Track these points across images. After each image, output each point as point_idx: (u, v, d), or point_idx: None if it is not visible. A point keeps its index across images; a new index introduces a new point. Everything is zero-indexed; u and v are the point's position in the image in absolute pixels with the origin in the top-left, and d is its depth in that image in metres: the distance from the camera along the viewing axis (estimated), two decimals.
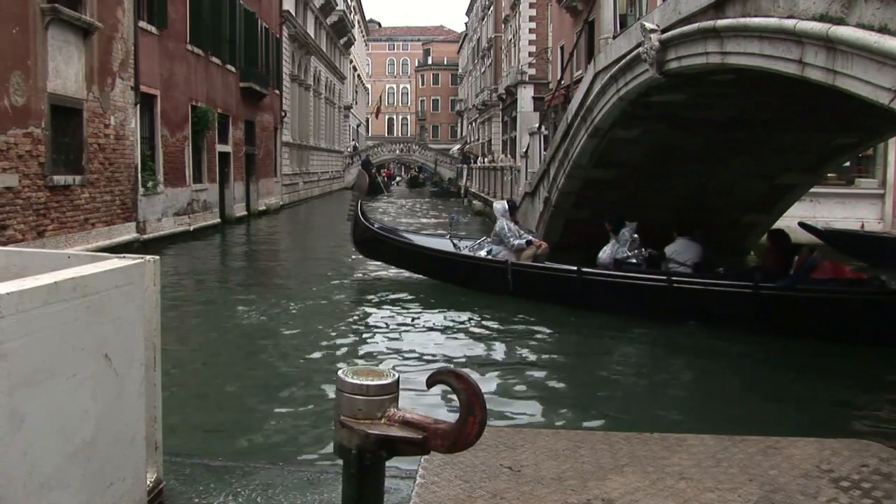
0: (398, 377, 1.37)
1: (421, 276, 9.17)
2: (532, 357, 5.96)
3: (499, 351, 6.19)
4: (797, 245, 7.25)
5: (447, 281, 8.75)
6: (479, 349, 6.20)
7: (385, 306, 8.12)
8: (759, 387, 5.25)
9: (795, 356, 5.94)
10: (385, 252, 9.33)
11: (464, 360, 5.72)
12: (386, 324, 7.26)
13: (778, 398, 4.98)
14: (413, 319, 7.39)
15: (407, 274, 9.47)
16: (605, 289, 7.15)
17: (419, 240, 9.63)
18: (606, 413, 4.62)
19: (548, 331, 6.73)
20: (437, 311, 7.65)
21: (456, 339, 6.58)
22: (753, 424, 3.95)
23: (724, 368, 5.63)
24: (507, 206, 8.68)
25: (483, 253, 8.55)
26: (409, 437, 1.27)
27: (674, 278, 6.81)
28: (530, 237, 8.62)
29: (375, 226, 9.40)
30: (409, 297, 8.40)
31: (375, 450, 1.30)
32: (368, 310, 8.02)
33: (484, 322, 7.11)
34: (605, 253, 7.94)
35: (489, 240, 8.80)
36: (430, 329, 6.97)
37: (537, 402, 4.84)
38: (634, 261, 7.57)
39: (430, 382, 1.33)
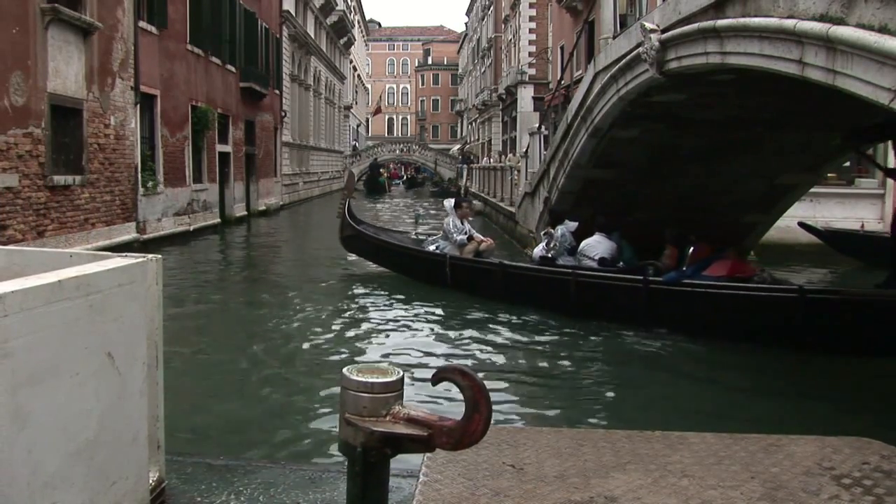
0: (403, 374, 1.38)
1: (387, 269, 9.70)
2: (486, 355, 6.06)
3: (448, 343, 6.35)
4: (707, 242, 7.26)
5: (404, 274, 9.32)
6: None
7: (385, 305, 8.14)
8: (759, 385, 5.26)
9: (784, 357, 5.95)
10: (361, 248, 9.99)
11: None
12: (388, 322, 7.29)
13: (777, 397, 4.99)
14: (411, 316, 7.41)
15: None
16: (522, 282, 7.48)
17: (385, 236, 10.17)
18: (607, 412, 4.63)
19: (486, 325, 7.00)
20: (427, 307, 7.73)
21: (453, 339, 6.59)
22: (753, 422, 3.96)
23: (714, 370, 5.63)
24: (453, 203, 9.21)
25: (432, 248, 8.94)
26: (414, 435, 1.27)
27: (577, 272, 7.08)
28: (473, 233, 8.92)
29: (356, 223, 9.90)
30: (410, 297, 8.41)
31: (380, 447, 1.30)
32: (368, 308, 8.03)
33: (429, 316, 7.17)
34: (537, 248, 8.39)
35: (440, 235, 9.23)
36: (428, 327, 6.98)
37: (533, 399, 4.85)
38: (549, 255, 7.97)
39: (436, 380, 1.33)
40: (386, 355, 6.02)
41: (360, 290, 9.07)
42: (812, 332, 5.56)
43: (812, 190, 11.73)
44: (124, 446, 1.65)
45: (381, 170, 44.37)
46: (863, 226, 13.11)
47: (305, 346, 6.55)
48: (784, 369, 5.52)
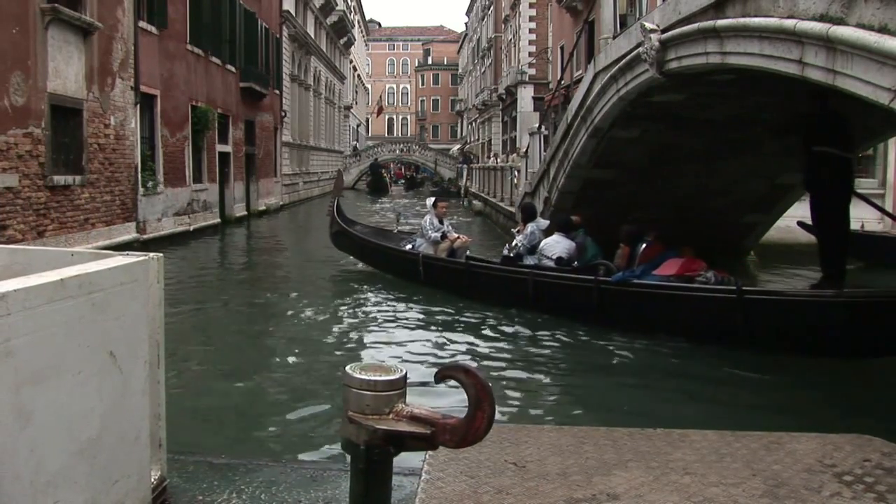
0: (405, 372, 1.38)
1: (369, 266, 9.96)
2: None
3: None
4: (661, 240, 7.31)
5: (384, 271, 9.58)
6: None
7: (385, 304, 8.15)
8: (757, 385, 5.26)
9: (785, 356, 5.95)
10: (347, 245, 10.26)
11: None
12: (387, 320, 7.29)
13: (777, 395, 4.99)
14: (411, 316, 7.41)
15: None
16: (486, 280, 7.75)
17: (367, 233, 10.45)
18: (611, 409, 4.63)
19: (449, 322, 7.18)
20: (426, 307, 7.74)
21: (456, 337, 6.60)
22: (754, 420, 3.96)
23: (711, 368, 5.64)
24: (432, 201, 9.49)
25: (410, 246, 9.17)
26: (417, 433, 1.27)
27: (534, 272, 7.27)
28: (446, 231, 9.10)
29: (343, 221, 10.25)
30: (409, 296, 8.41)
31: (383, 445, 1.30)
32: (369, 307, 8.04)
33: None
34: (506, 247, 8.57)
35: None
36: (425, 326, 6.99)
37: (528, 398, 4.85)
38: (511, 255, 8.17)
39: (439, 378, 1.33)
40: (385, 352, 6.03)
41: (360, 289, 9.07)
42: (750, 331, 5.68)
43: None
44: (126, 445, 1.65)
45: (382, 170, 44.70)
46: (863, 226, 13.10)
47: (305, 344, 6.55)
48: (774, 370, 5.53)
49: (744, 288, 5.87)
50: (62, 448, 1.43)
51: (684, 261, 6.46)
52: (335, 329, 7.13)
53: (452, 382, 1.30)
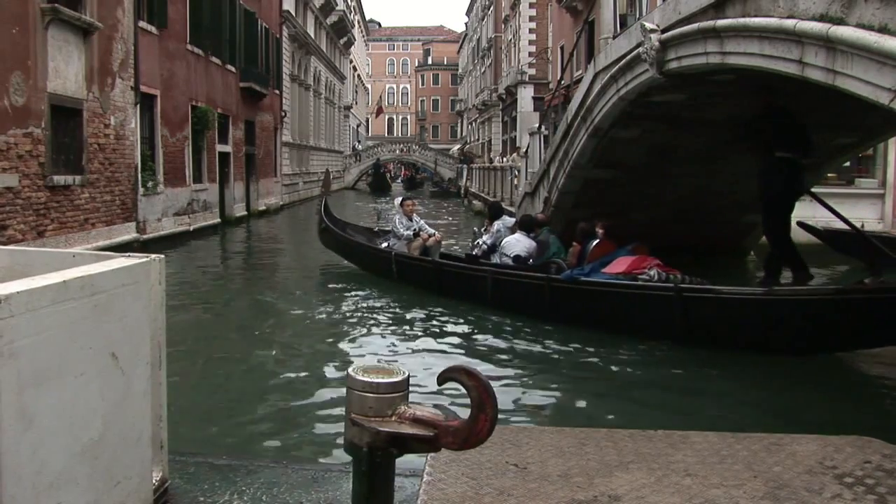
0: (408, 374, 1.38)
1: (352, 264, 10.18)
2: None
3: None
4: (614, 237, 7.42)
5: (362, 268, 9.84)
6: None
7: (385, 304, 8.14)
8: (757, 384, 5.26)
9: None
10: (332, 242, 10.47)
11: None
12: (389, 321, 7.29)
13: (777, 396, 4.99)
14: (413, 317, 7.41)
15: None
16: (451, 278, 7.99)
17: (349, 231, 10.66)
18: (610, 411, 4.63)
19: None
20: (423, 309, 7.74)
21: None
22: (755, 421, 3.96)
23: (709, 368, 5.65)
24: (399, 201, 9.77)
25: (386, 244, 9.42)
26: (420, 435, 1.28)
27: (493, 270, 7.45)
28: (422, 228, 9.30)
29: (329, 220, 10.52)
30: (408, 295, 8.41)
31: (386, 447, 1.30)
32: (368, 307, 8.04)
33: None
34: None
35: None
36: (426, 327, 6.99)
37: (526, 398, 4.85)
38: (475, 252, 8.40)
39: (441, 380, 1.33)
40: (387, 352, 6.03)
41: (360, 289, 9.07)
42: (689, 327, 5.81)
43: (812, 190, 11.71)
44: (128, 446, 1.66)
45: (383, 170, 45.02)
46: (863, 226, 13.09)
47: (306, 345, 6.55)
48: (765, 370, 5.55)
49: (681, 286, 5.99)
50: (64, 449, 1.43)
51: (634, 259, 6.57)
52: (335, 329, 7.13)
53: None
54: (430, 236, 9.14)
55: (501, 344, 6.36)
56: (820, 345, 5.57)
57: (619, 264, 6.51)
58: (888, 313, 5.14)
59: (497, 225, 8.62)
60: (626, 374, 5.59)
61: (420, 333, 6.82)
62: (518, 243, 7.94)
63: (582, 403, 4.94)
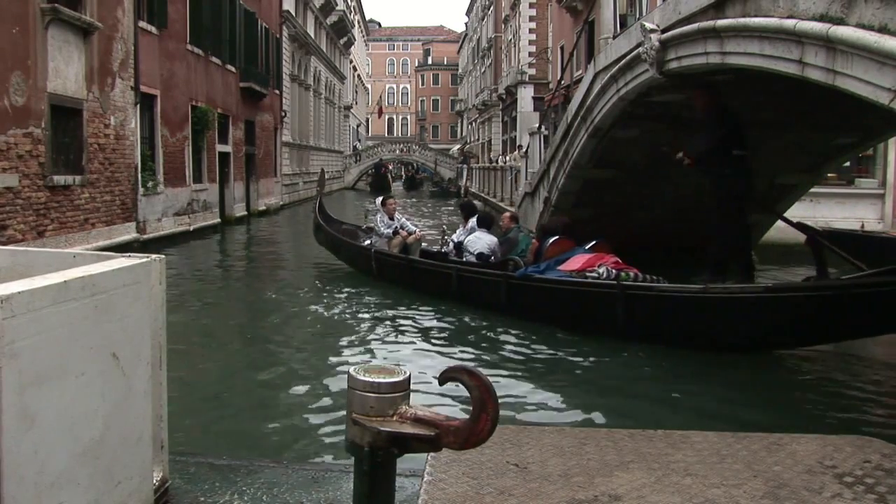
0: (409, 374, 1.38)
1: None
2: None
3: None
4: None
5: (349, 265, 10.12)
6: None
7: (382, 303, 8.14)
8: (758, 385, 5.26)
9: (786, 356, 5.95)
10: (324, 240, 10.77)
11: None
12: (389, 321, 7.29)
13: (777, 396, 4.99)
14: (413, 316, 7.41)
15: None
16: (423, 274, 8.32)
17: (340, 229, 10.85)
18: (609, 410, 4.63)
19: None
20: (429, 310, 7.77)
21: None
22: (755, 421, 3.96)
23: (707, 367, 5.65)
24: (380, 200, 10.04)
25: (369, 242, 9.73)
26: (421, 435, 1.28)
27: (458, 267, 7.74)
28: (404, 226, 9.58)
29: (324, 218, 10.82)
30: (407, 296, 8.42)
31: (387, 447, 1.30)
32: (368, 306, 8.04)
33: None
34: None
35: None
36: (429, 327, 6.99)
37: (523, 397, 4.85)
38: (442, 250, 8.72)
39: (443, 379, 1.34)
40: (388, 351, 6.04)
41: (360, 289, 9.08)
42: (632, 323, 5.96)
43: (812, 190, 11.73)
44: (129, 446, 1.66)
45: (384, 170, 45.16)
46: (863, 226, 13.11)
47: (306, 345, 6.55)
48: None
49: (624, 283, 6.12)
50: (65, 450, 1.43)
51: (590, 256, 6.67)
52: (335, 328, 7.13)
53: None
54: (409, 234, 9.43)
55: (460, 337, 6.58)
56: (753, 342, 5.69)
57: (575, 262, 6.65)
58: (815, 312, 5.30)
59: (471, 223, 8.87)
60: (595, 372, 5.58)
61: (422, 333, 6.82)
62: (479, 241, 8.21)
63: (580, 403, 4.93)
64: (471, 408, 1.29)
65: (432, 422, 1.29)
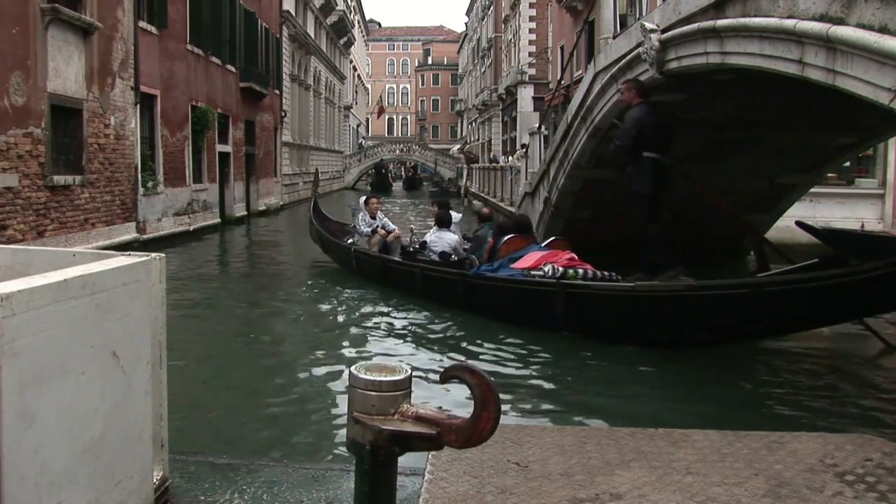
0: (410, 373, 1.38)
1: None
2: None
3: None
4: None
5: (336, 263, 10.42)
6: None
7: (385, 303, 8.14)
8: (758, 384, 5.26)
9: (787, 355, 5.95)
10: (316, 238, 11.08)
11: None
12: (390, 320, 7.29)
13: (778, 395, 4.99)
14: (413, 317, 7.40)
15: None
16: (394, 272, 8.64)
17: (326, 227, 11.12)
18: (607, 410, 4.62)
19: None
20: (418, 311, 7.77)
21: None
22: (756, 420, 3.96)
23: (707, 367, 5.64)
24: (363, 200, 10.34)
25: (351, 240, 10.02)
26: (422, 433, 1.28)
27: (422, 265, 8.05)
28: (384, 225, 9.87)
29: (318, 217, 11.22)
30: (408, 296, 8.41)
31: (389, 445, 1.30)
32: (369, 306, 8.04)
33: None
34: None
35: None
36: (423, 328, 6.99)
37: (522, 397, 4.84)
38: (410, 249, 8.87)
39: (444, 378, 1.33)
40: (389, 351, 6.03)
41: (359, 288, 9.09)
42: (572, 320, 6.17)
43: (812, 190, 11.73)
44: (129, 445, 1.66)
45: (384, 170, 45.29)
46: (863, 226, 13.10)
47: (306, 344, 6.55)
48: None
49: (564, 281, 6.27)
50: (66, 449, 1.43)
51: (545, 254, 6.77)
52: (335, 328, 7.14)
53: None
54: (388, 233, 9.68)
55: (423, 332, 6.76)
56: (681, 339, 5.77)
57: (528, 259, 6.74)
58: (736, 309, 5.37)
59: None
60: (612, 375, 5.56)
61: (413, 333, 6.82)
62: (440, 240, 8.47)
63: (580, 402, 4.93)
64: (471, 406, 1.29)
65: (434, 420, 1.29)
